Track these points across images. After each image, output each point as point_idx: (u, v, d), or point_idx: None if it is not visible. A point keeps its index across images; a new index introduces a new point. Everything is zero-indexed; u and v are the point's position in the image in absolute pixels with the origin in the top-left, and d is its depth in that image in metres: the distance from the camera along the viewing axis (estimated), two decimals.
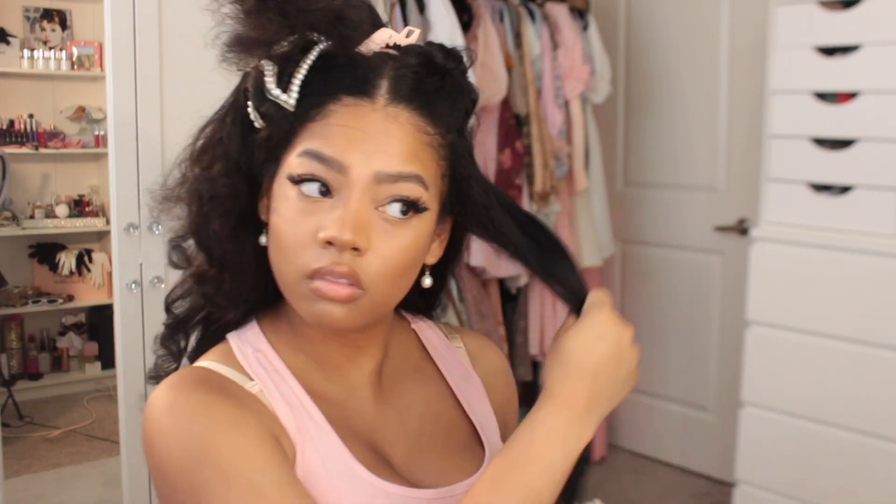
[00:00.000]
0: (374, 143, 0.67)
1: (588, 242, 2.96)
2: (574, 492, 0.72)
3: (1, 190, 3.34)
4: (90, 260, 4.22)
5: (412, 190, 0.68)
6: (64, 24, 4.22)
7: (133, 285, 1.98)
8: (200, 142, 0.73)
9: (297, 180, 0.67)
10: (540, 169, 2.68)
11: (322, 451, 0.69)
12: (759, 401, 2.36)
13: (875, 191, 2.12)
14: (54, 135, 4.15)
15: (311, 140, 0.67)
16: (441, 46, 0.72)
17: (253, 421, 0.66)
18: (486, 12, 2.57)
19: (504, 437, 0.87)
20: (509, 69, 2.62)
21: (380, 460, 0.74)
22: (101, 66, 4.14)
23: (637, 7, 3.17)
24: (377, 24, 0.70)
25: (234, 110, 0.72)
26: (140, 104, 1.95)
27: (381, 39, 0.69)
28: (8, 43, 4.05)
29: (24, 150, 4.02)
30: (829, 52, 2.17)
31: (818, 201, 2.22)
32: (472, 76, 2.40)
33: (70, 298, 4.20)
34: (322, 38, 0.67)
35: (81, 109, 4.26)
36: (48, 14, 4.18)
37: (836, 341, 2.19)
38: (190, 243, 0.75)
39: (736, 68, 2.88)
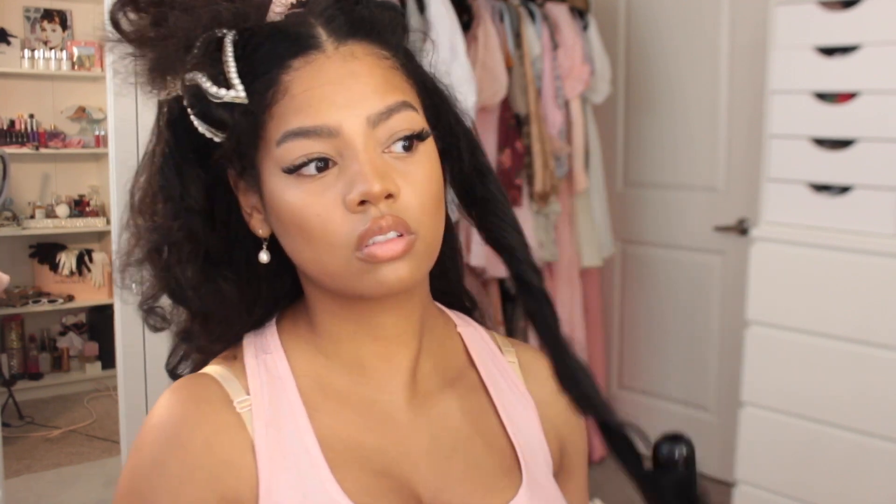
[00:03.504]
0: (348, 90, 0.61)
1: (588, 242, 2.96)
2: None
3: (1, 190, 3.33)
4: (90, 260, 4.22)
5: (408, 119, 0.63)
6: (64, 24, 4.22)
7: (134, 285, 1.98)
8: (138, 193, 0.67)
9: (294, 167, 0.61)
10: (540, 169, 2.69)
11: (306, 485, 0.64)
12: (759, 401, 2.36)
13: (875, 191, 2.12)
14: (55, 135, 4.15)
15: (284, 121, 0.61)
16: None
17: (202, 479, 0.63)
18: (486, 12, 2.57)
19: (562, 471, 0.80)
20: (509, 69, 2.62)
21: (392, 487, 0.67)
22: (101, 66, 4.14)
23: (637, 7, 3.17)
24: None
25: (161, 146, 0.66)
26: (140, 104, 1.96)
27: (283, 1, 0.64)
28: (8, 43, 4.05)
29: (25, 150, 4.02)
30: (829, 52, 2.17)
31: (818, 201, 2.22)
32: (472, 76, 2.39)
33: (70, 298, 4.20)
34: (225, 30, 0.62)
35: (82, 109, 4.27)
36: (48, 14, 4.18)
37: (836, 341, 2.19)
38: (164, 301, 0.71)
39: (736, 68, 2.88)
